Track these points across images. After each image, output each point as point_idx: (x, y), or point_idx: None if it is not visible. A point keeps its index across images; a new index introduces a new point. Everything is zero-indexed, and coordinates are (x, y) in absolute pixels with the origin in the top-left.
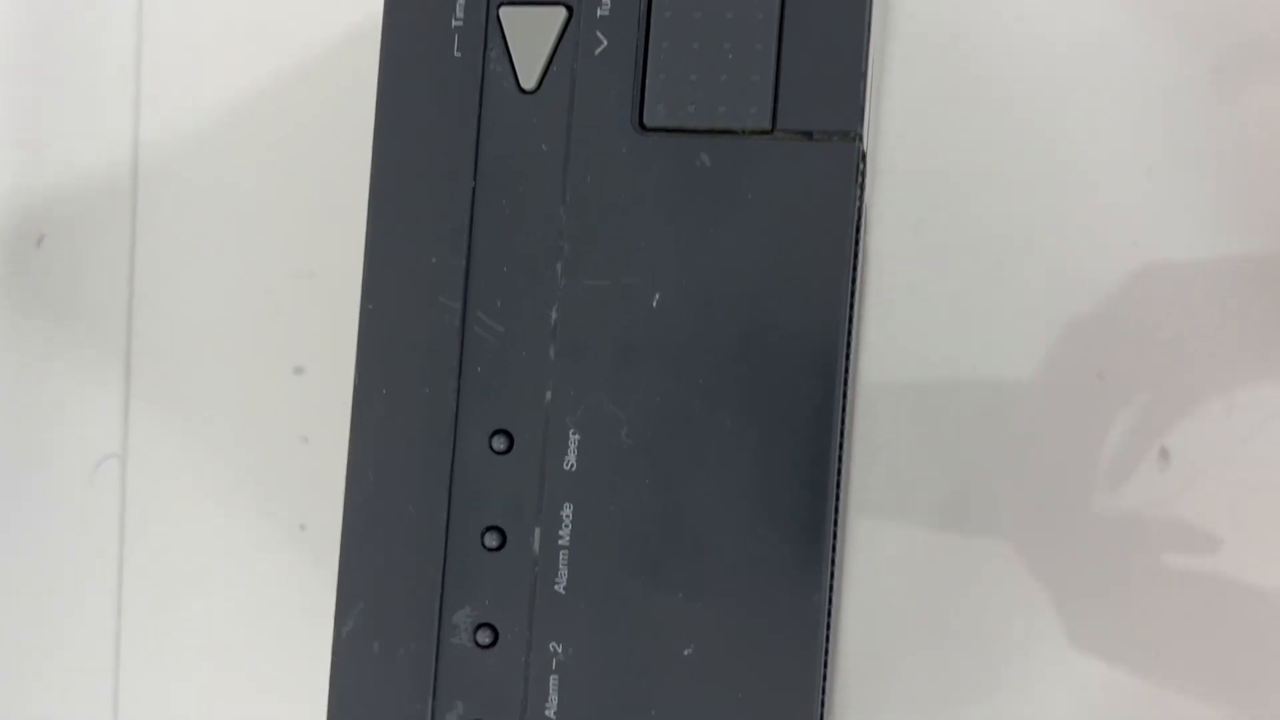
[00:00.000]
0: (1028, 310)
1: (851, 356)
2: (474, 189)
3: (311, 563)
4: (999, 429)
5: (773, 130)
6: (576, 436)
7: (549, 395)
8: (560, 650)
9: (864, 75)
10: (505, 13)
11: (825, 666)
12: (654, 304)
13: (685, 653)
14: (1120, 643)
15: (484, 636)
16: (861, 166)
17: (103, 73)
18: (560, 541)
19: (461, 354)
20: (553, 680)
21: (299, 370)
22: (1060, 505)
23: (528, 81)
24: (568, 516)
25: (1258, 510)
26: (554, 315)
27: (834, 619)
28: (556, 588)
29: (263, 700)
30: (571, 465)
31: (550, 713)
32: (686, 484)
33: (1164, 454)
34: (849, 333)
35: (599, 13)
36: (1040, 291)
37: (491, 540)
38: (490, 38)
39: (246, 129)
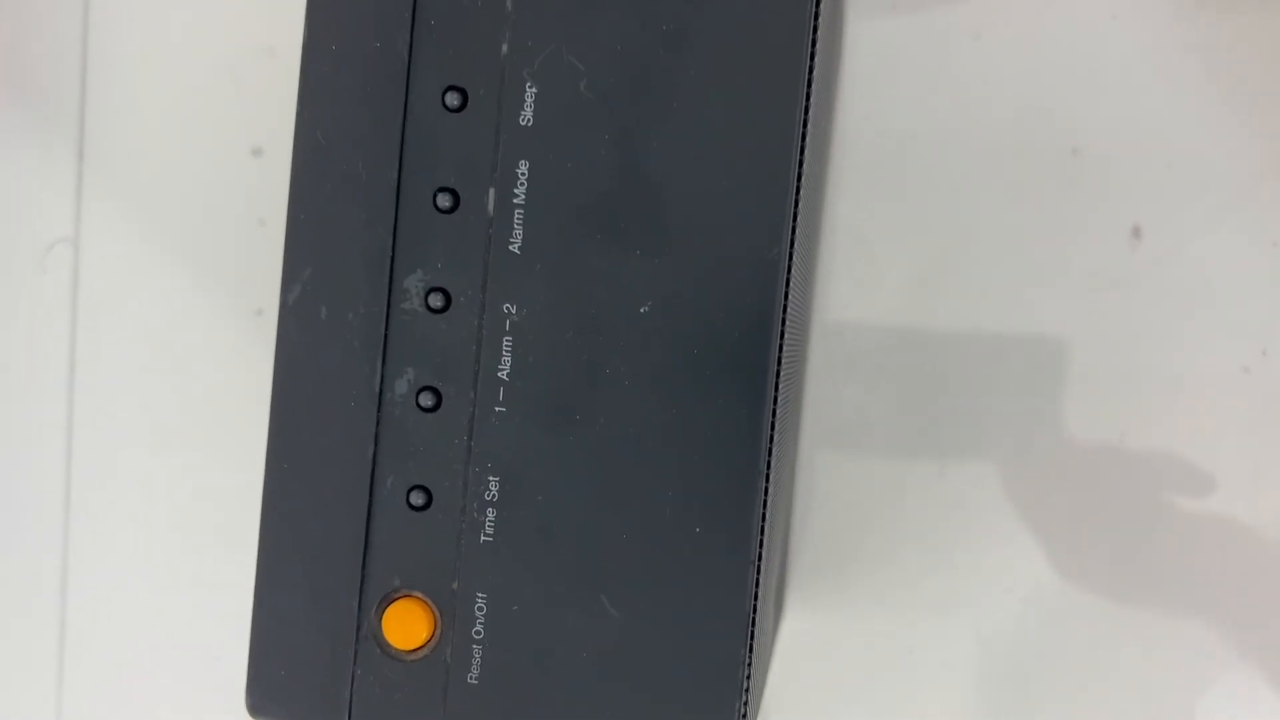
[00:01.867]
0: (1003, 85)
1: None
2: None
3: (266, 347)
4: (973, 204)
5: None
6: (534, 90)
7: (505, 47)
8: (514, 311)
9: None
10: None
11: (782, 332)
12: None
13: (642, 310)
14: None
15: (436, 300)
16: None
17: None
18: (515, 200)
19: (415, 6)
20: (506, 342)
21: (257, 151)
22: (1032, 280)
23: None
24: (523, 174)
25: (1225, 293)
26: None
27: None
28: (511, 248)
29: (213, 481)
30: (528, 120)
31: (504, 374)
32: (647, 138)
33: (1136, 232)
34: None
35: None
36: (1014, 64)
37: (444, 201)
38: None
39: None
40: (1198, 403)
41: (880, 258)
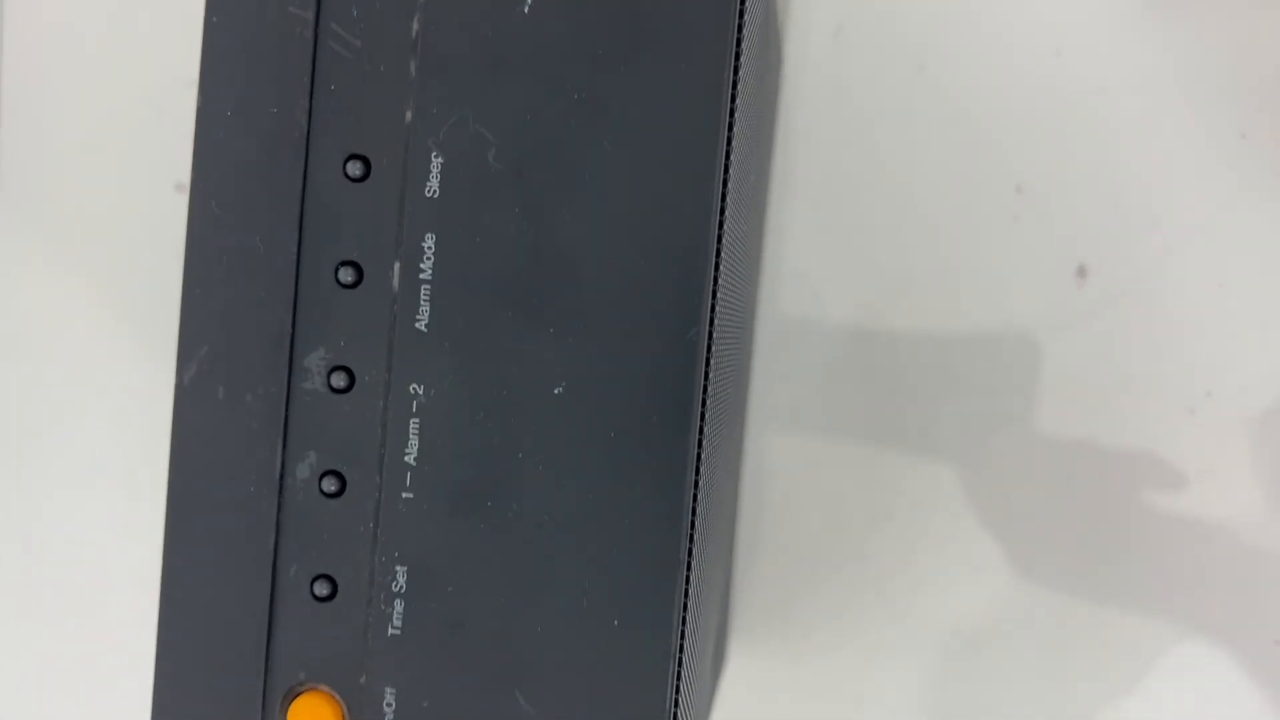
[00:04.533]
0: (947, 120)
1: (743, 100)
2: None
3: None
4: (917, 237)
5: None
6: (440, 160)
7: (409, 115)
8: (421, 392)
9: None
10: None
11: (703, 414)
12: (525, 9)
13: (556, 391)
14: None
15: (339, 380)
16: None
17: None
18: (421, 275)
19: (314, 71)
20: (413, 424)
21: (181, 187)
22: (978, 314)
23: None
24: (429, 248)
25: (1172, 330)
26: (415, 25)
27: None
28: (418, 325)
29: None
30: (434, 192)
31: (410, 458)
32: (558, 209)
33: (1082, 271)
34: (738, 38)
35: None
36: (958, 99)
37: (347, 276)
38: None
39: None
40: (1145, 442)
41: (824, 297)
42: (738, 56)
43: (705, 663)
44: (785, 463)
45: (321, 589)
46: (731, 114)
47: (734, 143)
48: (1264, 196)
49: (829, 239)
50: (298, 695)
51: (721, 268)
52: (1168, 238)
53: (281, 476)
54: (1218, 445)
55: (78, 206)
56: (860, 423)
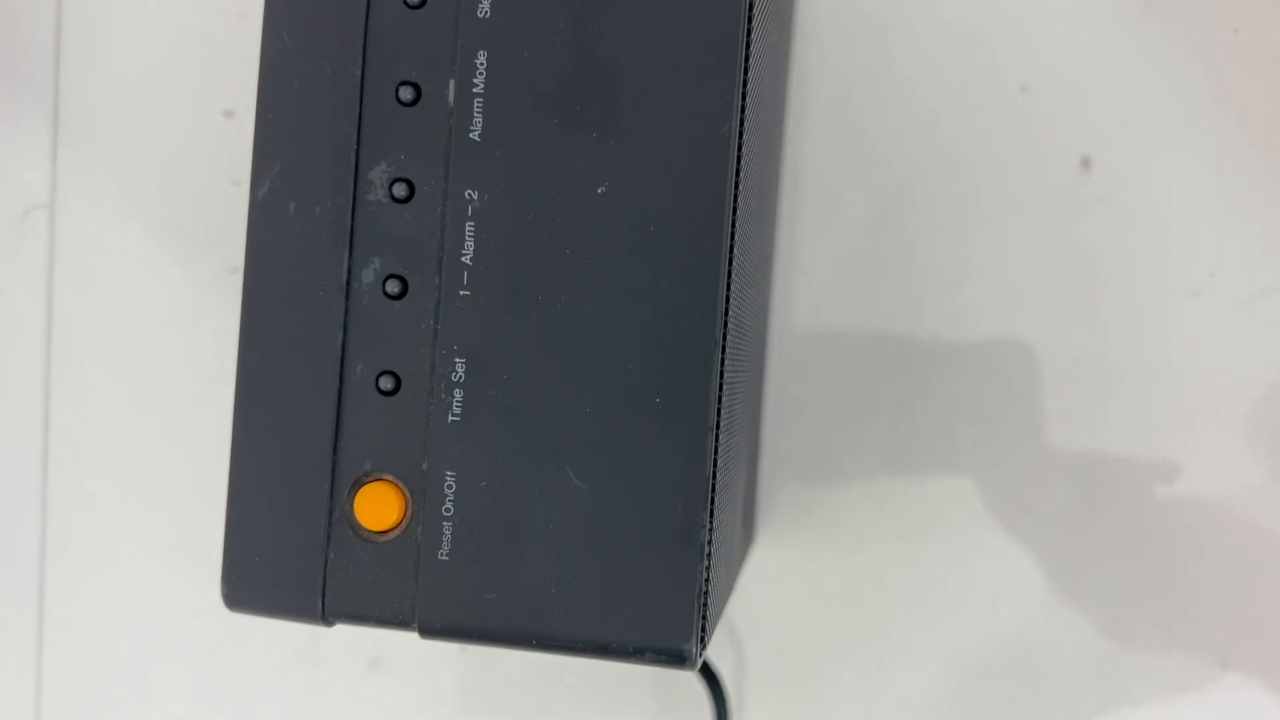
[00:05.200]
0: (950, 22)
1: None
2: None
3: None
4: (928, 140)
5: None
6: None
7: None
8: (476, 197)
9: None
10: None
11: (737, 187)
12: None
13: (599, 191)
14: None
15: (400, 190)
16: None
17: None
18: (475, 89)
19: None
20: (469, 227)
21: (229, 113)
22: (987, 206)
23: None
24: (482, 64)
25: (1177, 218)
26: None
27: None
28: (472, 135)
29: (190, 439)
30: (485, 12)
31: (467, 259)
32: (599, 21)
33: (1085, 162)
34: None
35: None
36: (964, 8)
37: (406, 94)
38: None
39: None
40: (1150, 330)
41: (840, 195)
42: None
43: (737, 486)
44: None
45: (386, 384)
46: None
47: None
48: (1253, 93)
49: (843, 139)
50: (364, 484)
51: (750, 72)
52: (1165, 127)
53: (348, 282)
54: (1223, 326)
55: (135, 134)
56: (878, 314)
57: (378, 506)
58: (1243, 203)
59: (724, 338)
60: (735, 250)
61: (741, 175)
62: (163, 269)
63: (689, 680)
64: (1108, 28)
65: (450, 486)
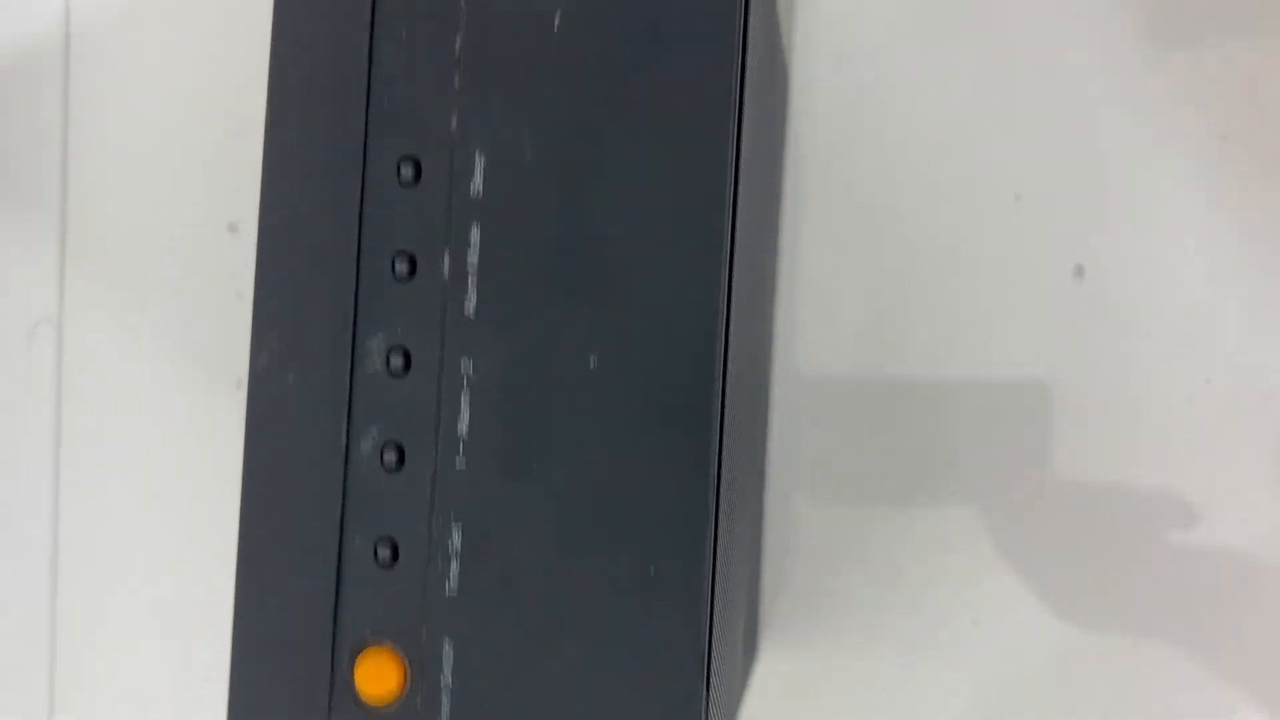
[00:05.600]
0: (946, 130)
1: (751, 80)
2: None
3: None
4: (923, 248)
5: None
6: (483, 160)
7: (454, 122)
8: (471, 369)
9: None
10: None
11: (726, 358)
12: (555, 26)
13: (590, 365)
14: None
15: (397, 361)
16: None
17: None
18: (468, 263)
19: (369, 87)
20: (464, 398)
21: (233, 227)
22: (976, 326)
23: None
24: (475, 239)
25: (1170, 325)
26: (458, 43)
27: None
28: (466, 309)
29: (199, 547)
30: (478, 188)
31: (463, 430)
32: (588, 201)
33: (1079, 270)
34: (743, 45)
35: None
36: (957, 112)
37: (402, 268)
38: None
39: None
40: (1149, 433)
41: (838, 303)
42: (743, 66)
43: (736, 633)
44: (807, 483)
45: (384, 553)
46: (740, 117)
47: (743, 143)
48: (1244, 195)
49: (840, 249)
50: (364, 651)
51: (737, 251)
52: (1158, 235)
53: (347, 451)
54: (1221, 428)
55: (141, 248)
56: (875, 424)
57: (378, 676)
58: (1235, 309)
59: (717, 510)
60: (726, 419)
61: (731, 347)
62: (169, 381)
63: None
64: (1099, 137)
65: (448, 656)
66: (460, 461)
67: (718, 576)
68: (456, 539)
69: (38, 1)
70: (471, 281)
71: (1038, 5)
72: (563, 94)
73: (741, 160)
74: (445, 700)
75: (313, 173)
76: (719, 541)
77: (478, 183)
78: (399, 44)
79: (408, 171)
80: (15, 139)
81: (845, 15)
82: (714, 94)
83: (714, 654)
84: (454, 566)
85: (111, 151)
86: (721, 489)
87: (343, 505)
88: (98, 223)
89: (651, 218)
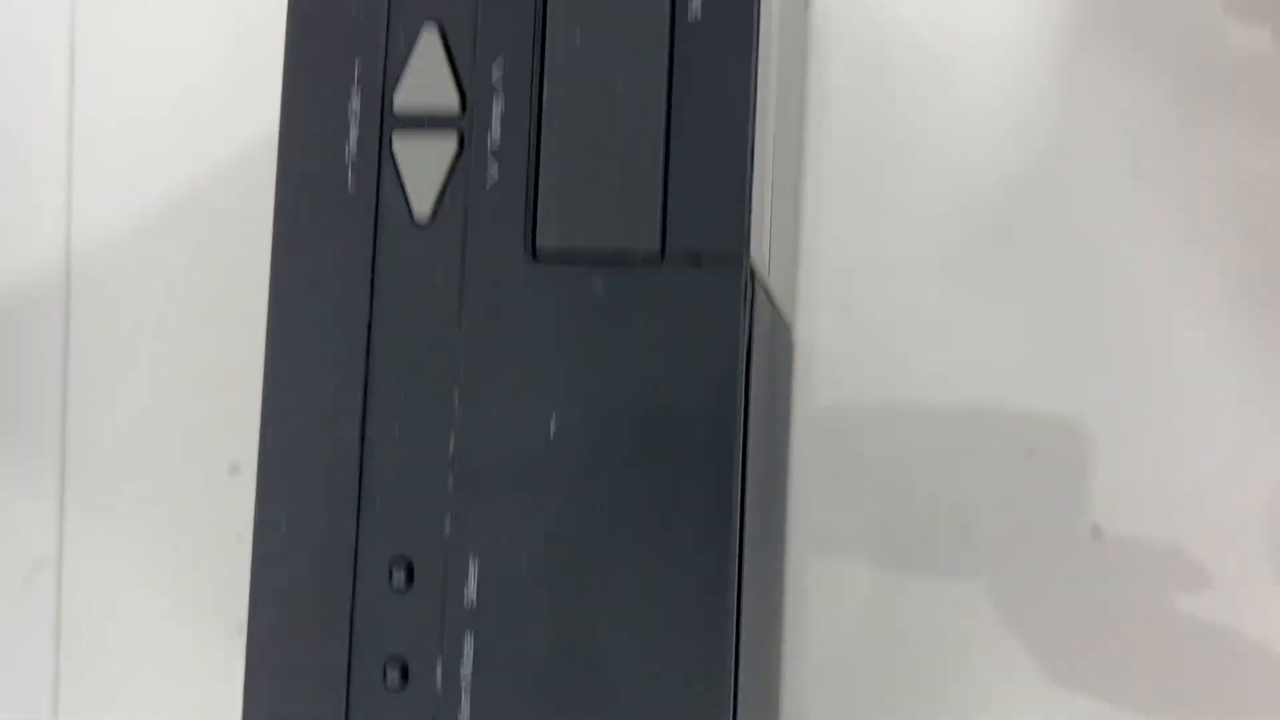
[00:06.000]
0: (955, 387)
1: (753, 473)
2: (370, 320)
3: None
4: (930, 506)
5: (662, 256)
6: (477, 567)
7: (448, 527)
8: None
9: (748, 202)
10: (398, 144)
11: None
12: (551, 433)
13: None
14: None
15: None
16: (750, 290)
17: (33, 174)
18: (462, 675)
19: (360, 486)
20: None
21: (235, 468)
22: (992, 580)
23: (421, 212)
24: (469, 651)
25: (1191, 591)
26: (451, 445)
27: None
28: None
29: None
30: (472, 599)
31: None
32: (589, 610)
33: (1096, 531)
34: (744, 450)
35: (490, 143)
36: (966, 370)
37: (394, 676)
38: (383, 169)
39: (179, 228)
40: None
41: (849, 553)
42: (744, 471)
43: None
44: None
45: None
46: (742, 533)
47: (745, 551)
48: (1264, 467)
49: (851, 511)
50: None
51: (742, 670)
52: (1175, 498)
53: None
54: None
55: (140, 488)
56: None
57: None
58: (1255, 567)
59: None
60: None
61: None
62: (169, 627)
63: None
64: (1112, 394)
65: None
66: None
67: None
68: None
69: (36, 235)
70: (465, 694)
71: (1045, 265)
72: (559, 500)
73: (744, 566)
74: None
75: (301, 574)
76: None
77: (471, 590)
78: (392, 446)
79: (400, 575)
80: (13, 375)
81: (849, 268)
82: (714, 514)
83: None
84: None
85: (113, 390)
86: None
87: None
88: (98, 461)
89: (652, 630)
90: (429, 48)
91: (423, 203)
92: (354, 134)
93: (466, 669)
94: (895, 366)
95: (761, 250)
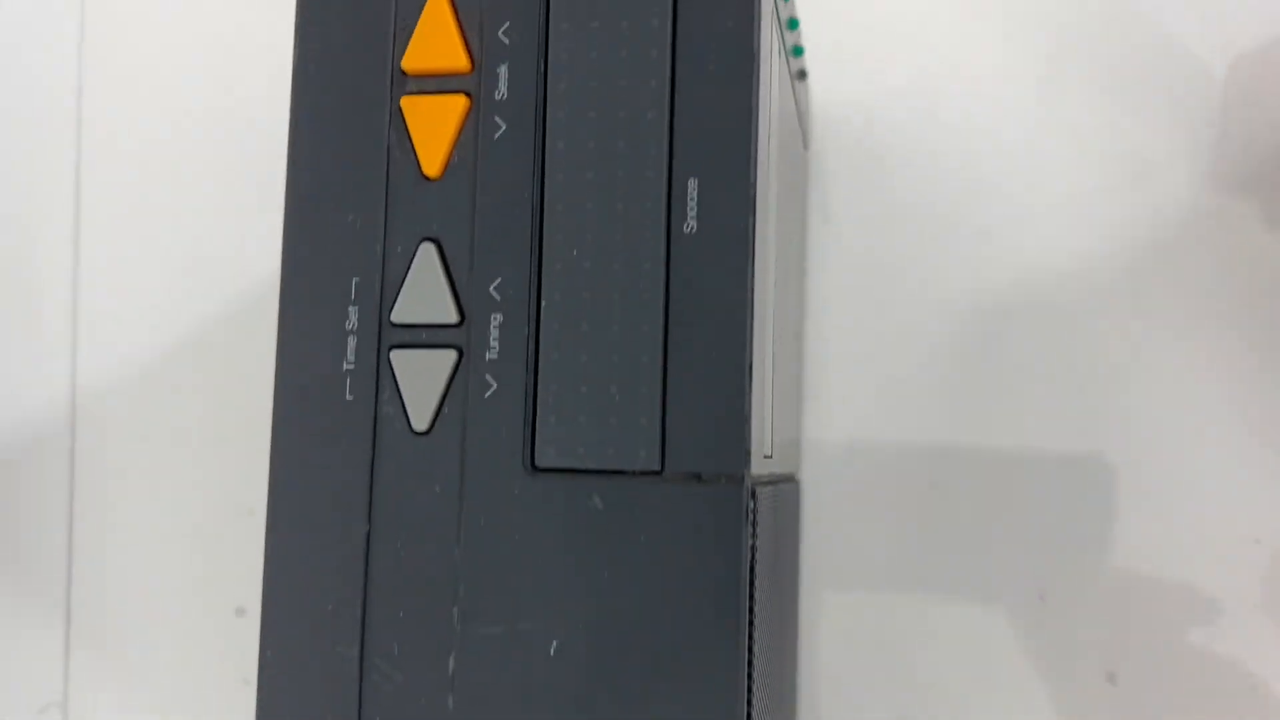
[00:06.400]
0: (966, 526)
1: (759, 684)
2: (369, 533)
3: None
4: (942, 653)
5: (662, 471)
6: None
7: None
8: None
9: (747, 418)
10: (395, 356)
11: None
12: (551, 651)
13: None
14: None
15: None
16: (753, 506)
17: (39, 313)
18: None
19: (360, 703)
20: None
21: (240, 611)
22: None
23: (420, 423)
24: None
25: None
26: (451, 663)
27: None
28: None
29: None
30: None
31: None
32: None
33: (1111, 678)
34: (750, 660)
35: (488, 356)
36: (977, 511)
37: None
38: (381, 380)
39: (183, 368)
40: None
41: (860, 702)
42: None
43: None
44: None
45: None
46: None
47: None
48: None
49: (862, 656)
50: None
51: None
52: (1191, 642)
53: None
54: None
55: (146, 631)
56: None
57: None
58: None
59: None
60: None
61: None
62: None
63: None
64: (1118, 529)
65: None
66: None
67: None
68: None
69: (42, 375)
70: None
71: (1049, 398)
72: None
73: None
74: None
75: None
76: None
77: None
78: (392, 659)
79: None
80: (19, 519)
81: (852, 411)
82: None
83: None
84: None
85: (116, 529)
86: None
87: None
88: (103, 606)
89: None
90: (426, 263)
91: (421, 413)
92: (352, 345)
93: None
94: (902, 501)
95: (763, 439)
